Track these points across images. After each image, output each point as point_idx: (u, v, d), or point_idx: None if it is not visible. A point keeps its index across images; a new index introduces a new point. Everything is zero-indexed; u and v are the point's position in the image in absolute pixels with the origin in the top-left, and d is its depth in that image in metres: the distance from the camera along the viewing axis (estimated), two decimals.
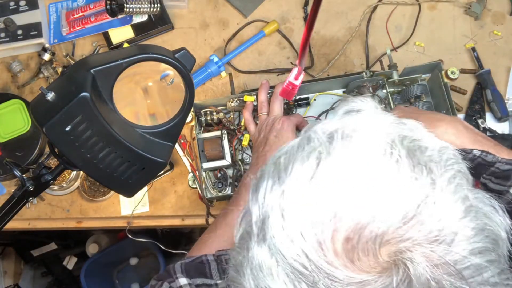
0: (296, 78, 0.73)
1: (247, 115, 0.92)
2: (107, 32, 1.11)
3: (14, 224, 1.05)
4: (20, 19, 1.13)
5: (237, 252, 0.41)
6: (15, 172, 0.69)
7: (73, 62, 1.11)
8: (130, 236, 1.04)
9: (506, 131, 1.01)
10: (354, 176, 0.36)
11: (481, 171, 0.70)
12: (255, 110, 0.95)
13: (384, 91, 0.96)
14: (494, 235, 0.37)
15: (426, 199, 0.35)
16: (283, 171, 0.39)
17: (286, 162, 0.39)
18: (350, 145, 0.38)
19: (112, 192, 1.04)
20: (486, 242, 0.36)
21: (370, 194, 0.35)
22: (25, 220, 1.07)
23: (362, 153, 0.37)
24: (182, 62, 0.67)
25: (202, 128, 0.96)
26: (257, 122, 0.91)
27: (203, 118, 0.94)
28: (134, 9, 1.04)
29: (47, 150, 1.05)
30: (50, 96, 0.61)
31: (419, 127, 0.41)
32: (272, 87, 0.93)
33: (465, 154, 0.69)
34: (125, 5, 1.02)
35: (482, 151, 0.69)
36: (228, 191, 0.93)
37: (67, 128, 0.60)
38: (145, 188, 1.03)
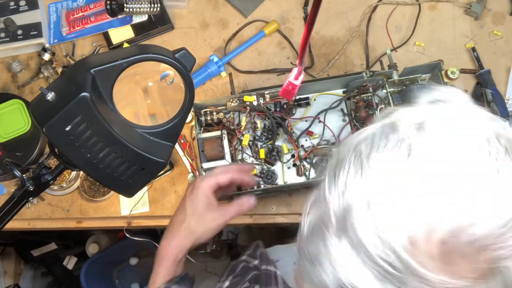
0: (296, 78, 0.73)
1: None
2: (107, 32, 1.11)
3: (14, 224, 1.05)
4: (20, 19, 1.13)
5: (309, 242, 0.38)
6: (15, 172, 0.69)
7: (73, 62, 1.11)
8: (128, 236, 1.04)
9: None
10: (451, 173, 0.33)
11: None
12: (255, 110, 0.95)
13: (384, 91, 0.96)
14: None
15: None
16: (365, 159, 0.35)
17: (368, 150, 0.36)
18: (445, 138, 0.34)
19: (112, 192, 1.04)
20: None
21: (470, 195, 0.32)
22: (25, 220, 1.07)
23: (459, 148, 0.34)
24: (182, 62, 0.67)
25: (202, 128, 0.96)
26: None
27: (203, 118, 0.94)
28: (134, 9, 1.04)
29: (47, 150, 1.05)
30: (50, 96, 0.61)
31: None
32: (279, 87, 0.93)
33: None
34: (125, 5, 1.02)
35: None
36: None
37: (67, 128, 0.60)
38: (145, 188, 1.03)
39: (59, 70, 1.10)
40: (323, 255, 0.36)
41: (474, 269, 0.32)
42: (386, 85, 0.95)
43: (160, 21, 1.11)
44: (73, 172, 1.05)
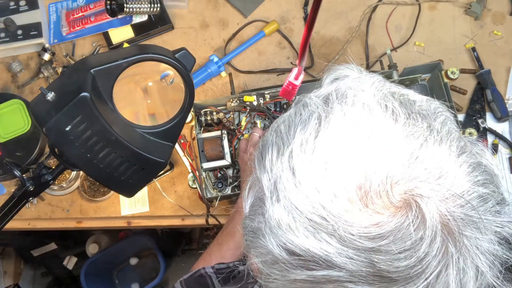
0: (296, 78, 0.73)
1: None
2: (107, 32, 1.11)
3: (14, 224, 1.05)
4: (20, 19, 1.13)
5: (250, 219, 0.43)
6: (15, 172, 0.69)
7: (73, 62, 1.11)
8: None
9: (506, 131, 1.01)
10: (356, 128, 0.38)
11: None
12: (255, 110, 0.95)
13: None
14: (489, 170, 0.40)
15: (425, 141, 0.38)
16: (285, 136, 0.41)
17: (287, 128, 0.42)
18: (347, 102, 0.41)
19: (112, 192, 1.04)
20: (484, 175, 0.39)
21: (374, 142, 0.37)
22: (25, 220, 1.07)
23: (360, 107, 0.40)
24: (182, 62, 0.67)
25: (202, 128, 0.96)
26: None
27: (203, 118, 0.94)
28: (134, 9, 1.04)
29: (47, 150, 1.05)
30: (50, 96, 0.61)
31: (401, 86, 0.44)
32: (279, 87, 0.92)
33: None
34: (125, 5, 1.02)
35: None
36: (228, 191, 0.93)
37: (67, 128, 0.60)
38: (145, 188, 1.03)
39: (59, 70, 1.10)
40: (263, 224, 0.40)
41: (390, 204, 0.36)
42: None
43: (160, 21, 1.11)
44: (73, 172, 1.05)
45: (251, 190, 0.44)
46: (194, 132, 0.94)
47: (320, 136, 0.39)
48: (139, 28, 1.11)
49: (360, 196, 0.36)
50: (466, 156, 0.38)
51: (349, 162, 0.37)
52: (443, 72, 0.92)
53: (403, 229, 0.35)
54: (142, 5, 1.05)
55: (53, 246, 1.72)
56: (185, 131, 1.02)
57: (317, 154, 0.38)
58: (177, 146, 1.03)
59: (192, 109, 0.82)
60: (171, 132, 0.70)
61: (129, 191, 0.72)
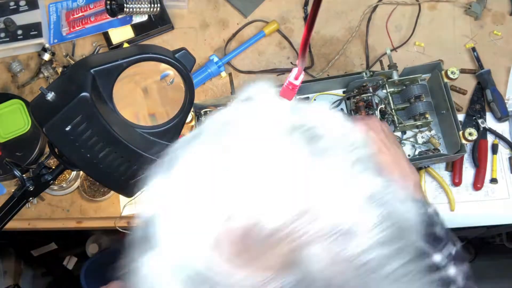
0: (296, 78, 0.73)
1: None
2: (107, 32, 1.11)
3: (14, 224, 1.05)
4: (20, 19, 1.13)
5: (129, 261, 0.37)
6: (15, 172, 0.69)
7: (73, 62, 1.11)
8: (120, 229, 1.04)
9: (506, 131, 1.01)
10: (242, 170, 0.33)
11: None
12: None
13: (384, 91, 0.96)
14: (401, 222, 0.34)
15: (323, 189, 0.32)
16: (172, 165, 0.36)
17: (178, 155, 0.36)
18: (239, 136, 0.35)
19: (112, 192, 1.04)
20: (392, 230, 0.33)
21: (261, 188, 0.32)
22: (25, 220, 1.07)
23: (252, 144, 0.34)
24: (182, 62, 0.67)
25: None
26: None
27: (203, 118, 0.94)
28: (134, 9, 1.04)
29: (47, 150, 1.05)
30: (50, 96, 0.61)
31: (321, 110, 0.38)
32: (279, 87, 0.92)
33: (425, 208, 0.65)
34: (125, 5, 1.02)
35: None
36: None
37: (67, 128, 0.60)
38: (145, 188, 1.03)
39: (59, 70, 1.10)
40: (132, 274, 0.35)
41: (274, 262, 0.31)
42: (386, 85, 0.95)
43: (160, 21, 1.11)
44: (73, 172, 1.05)
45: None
46: None
47: (204, 173, 0.34)
48: (139, 28, 1.11)
49: (242, 250, 0.31)
50: (372, 208, 0.33)
51: (232, 210, 0.32)
52: (443, 72, 0.92)
53: None
54: (142, 5, 1.05)
55: (53, 246, 1.72)
56: (185, 131, 1.02)
57: (197, 195, 0.33)
58: None
59: (192, 109, 0.82)
60: (171, 132, 0.70)
61: (129, 191, 0.72)
